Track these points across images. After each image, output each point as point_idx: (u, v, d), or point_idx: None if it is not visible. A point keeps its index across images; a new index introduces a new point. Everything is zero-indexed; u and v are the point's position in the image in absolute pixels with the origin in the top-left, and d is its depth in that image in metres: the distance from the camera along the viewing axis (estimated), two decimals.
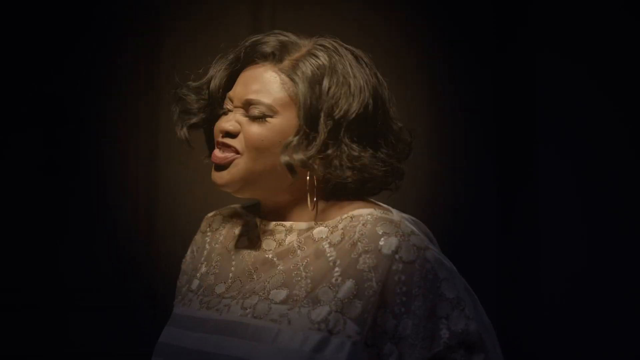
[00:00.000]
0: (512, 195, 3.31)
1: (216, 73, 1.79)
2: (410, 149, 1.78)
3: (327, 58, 1.74)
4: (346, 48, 1.77)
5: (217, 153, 1.75)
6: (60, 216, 3.23)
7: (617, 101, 3.19)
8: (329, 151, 1.70)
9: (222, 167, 1.75)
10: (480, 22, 3.37)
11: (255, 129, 1.73)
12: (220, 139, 1.75)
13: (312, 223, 1.75)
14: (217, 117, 1.78)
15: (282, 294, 1.68)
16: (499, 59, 3.35)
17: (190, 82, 1.81)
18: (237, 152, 1.73)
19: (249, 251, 1.80)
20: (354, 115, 1.71)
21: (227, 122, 1.75)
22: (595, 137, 3.18)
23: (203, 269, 1.86)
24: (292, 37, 1.78)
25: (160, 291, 3.15)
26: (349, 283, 1.65)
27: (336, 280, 1.66)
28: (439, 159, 3.34)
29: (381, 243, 1.65)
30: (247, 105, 1.74)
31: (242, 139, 1.73)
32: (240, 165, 1.73)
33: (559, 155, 3.17)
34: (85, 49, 3.25)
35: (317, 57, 1.74)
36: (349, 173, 1.71)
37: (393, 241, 1.65)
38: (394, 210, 1.74)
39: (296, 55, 1.75)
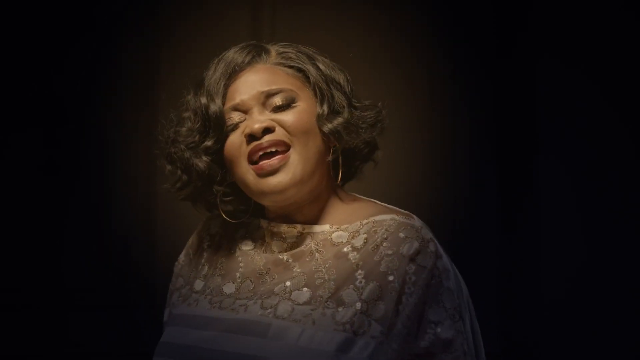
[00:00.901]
0: (513, 196, 3.30)
1: (211, 96, 1.76)
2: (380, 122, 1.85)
3: (299, 47, 1.81)
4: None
5: (265, 160, 1.71)
6: (60, 216, 3.22)
7: (616, 103, 3.17)
8: (351, 115, 1.76)
9: (272, 172, 1.72)
10: (481, 26, 3.35)
11: (290, 115, 1.73)
12: (262, 141, 1.71)
13: (327, 226, 1.77)
14: (224, 140, 1.75)
15: (305, 295, 1.69)
16: (499, 61, 3.34)
17: (184, 121, 1.79)
18: (285, 145, 1.72)
19: (258, 252, 1.81)
20: (348, 84, 1.80)
21: (256, 123, 1.72)
22: (595, 138, 3.17)
23: (205, 270, 1.85)
24: (252, 42, 1.82)
25: (160, 291, 3.12)
26: (373, 285, 1.67)
27: (360, 282, 1.68)
28: (440, 161, 3.33)
29: (403, 246, 1.69)
30: (266, 99, 1.74)
31: (282, 132, 1.72)
32: (295, 158, 1.72)
33: (559, 156, 3.17)
34: (85, 49, 3.24)
35: (293, 47, 1.80)
36: (367, 134, 1.77)
37: (414, 245, 1.69)
38: (415, 217, 1.77)
39: (273, 51, 1.80)
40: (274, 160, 1.71)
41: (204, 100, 1.76)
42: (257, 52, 1.79)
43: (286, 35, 1.91)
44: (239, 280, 1.78)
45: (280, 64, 1.77)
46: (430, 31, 3.35)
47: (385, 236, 1.71)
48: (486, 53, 3.35)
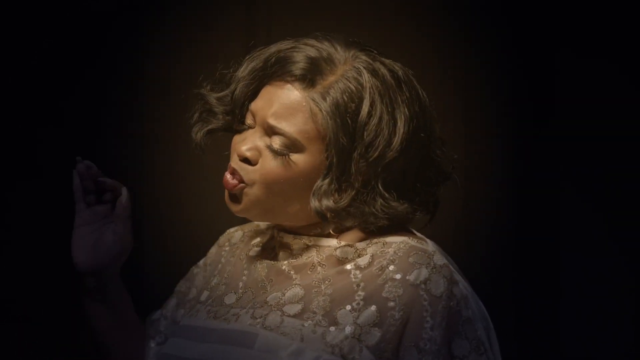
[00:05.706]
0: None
1: (240, 80, 1.71)
2: (448, 178, 1.72)
3: (363, 85, 1.63)
4: (385, 66, 1.66)
5: (228, 177, 1.69)
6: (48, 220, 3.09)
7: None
8: (362, 199, 1.64)
9: (230, 195, 1.71)
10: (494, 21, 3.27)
11: (274, 165, 1.65)
12: (233, 164, 1.69)
13: (335, 241, 1.71)
14: (238, 123, 1.72)
15: (297, 307, 1.65)
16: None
17: (213, 84, 1.76)
18: (243, 181, 1.68)
19: (262, 262, 1.77)
20: (391, 158, 1.62)
21: (246, 146, 1.68)
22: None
23: (214, 281, 1.84)
24: (327, 50, 1.66)
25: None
26: (372, 309, 1.61)
27: (358, 304, 1.63)
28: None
29: (410, 273, 1.61)
30: (269, 131, 1.66)
31: (258, 169, 1.67)
32: (250, 195, 1.69)
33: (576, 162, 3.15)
34: (71, 55, 3.17)
35: (352, 83, 1.62)
36: (380, 221, 1.65)
37: (423, 272, 1.61)
38: (429, 241, 1.69)
39: (330, 78, 1.63)
40: (232, 184, 1.69)
41: (237, 77, 1.72)
42: (310, 73, 1.64)
43: (283, 33, 1.78)
44: (241, 290, 1.76)
45: (315, 101, 1.63)
46: (438, 39, 3.26)
47: (392, 259, 1.63)
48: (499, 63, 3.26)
